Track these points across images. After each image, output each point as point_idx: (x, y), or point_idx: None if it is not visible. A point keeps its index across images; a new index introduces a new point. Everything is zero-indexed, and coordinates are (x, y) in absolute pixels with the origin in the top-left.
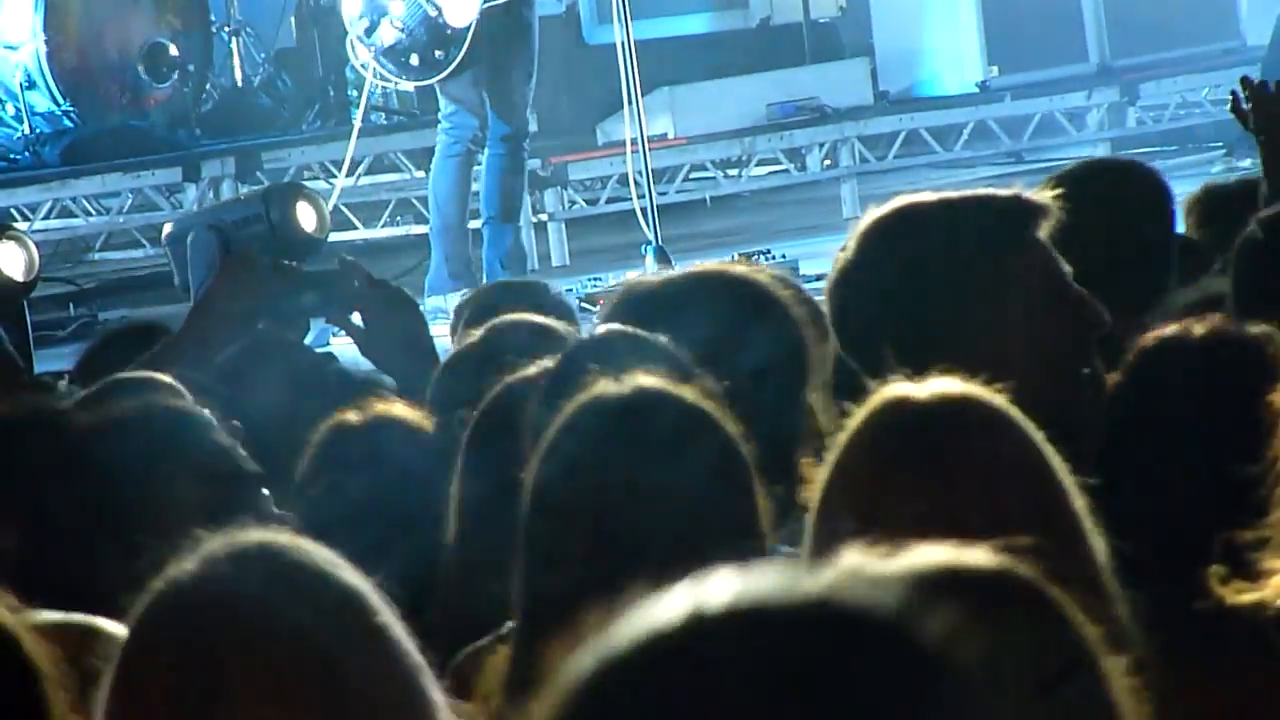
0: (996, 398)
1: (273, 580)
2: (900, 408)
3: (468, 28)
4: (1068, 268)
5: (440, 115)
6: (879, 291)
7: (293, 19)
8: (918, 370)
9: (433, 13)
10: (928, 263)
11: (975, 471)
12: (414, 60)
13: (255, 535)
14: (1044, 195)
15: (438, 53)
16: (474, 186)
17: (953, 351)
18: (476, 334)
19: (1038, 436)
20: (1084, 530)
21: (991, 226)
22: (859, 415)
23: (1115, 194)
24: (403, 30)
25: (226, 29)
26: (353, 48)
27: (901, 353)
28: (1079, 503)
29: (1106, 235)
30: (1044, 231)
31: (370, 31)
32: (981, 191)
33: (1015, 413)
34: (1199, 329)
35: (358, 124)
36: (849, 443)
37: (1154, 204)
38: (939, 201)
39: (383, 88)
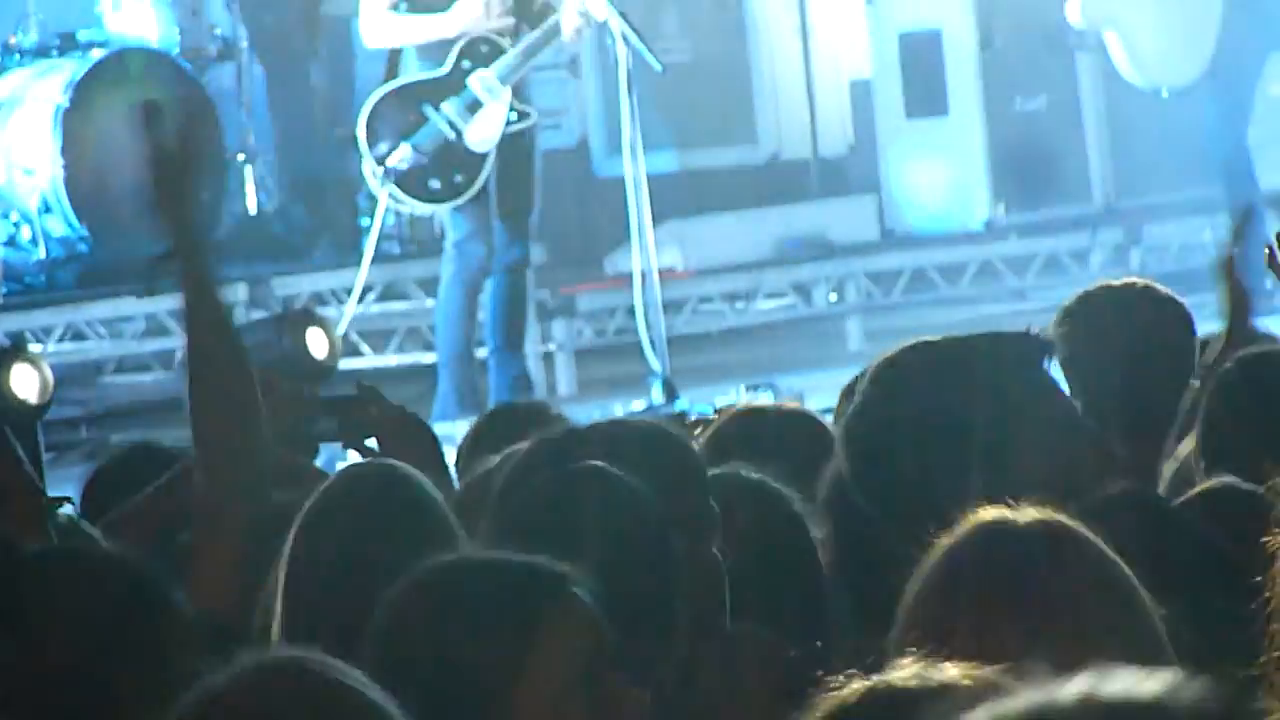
0: (1079, 525)
1: (300, 696)
2: (1001, 533)
3: (488, 151)
4: (1074, 400)
5: (447, 243)
6: (895, 432)
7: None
8: (938, 506)
9: (451, 135)
10: (943, 401)
11: (1072, 594)
12: (434, 184)
13: (286, 652)
14: (1047, 330)
15: (458, 177)
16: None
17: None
18: (493, 460)
19: (1120, 561)
20: (1165, 647)
21: (1002, 364)
22: (952, 540)
23: (1133, 319)
24: (421, 153)
25: (241, 156)
26: (373, 173)
27: (921, 489)
28: (1157, 620)
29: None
30: (1052, 366)
31: (386, 156)
32: (991, 331)
33: (1098, 539)
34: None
35: (370, 249)
36: (942, 567)
37: (1175, 325)
38: (950, 341)
39: (397, 214)
